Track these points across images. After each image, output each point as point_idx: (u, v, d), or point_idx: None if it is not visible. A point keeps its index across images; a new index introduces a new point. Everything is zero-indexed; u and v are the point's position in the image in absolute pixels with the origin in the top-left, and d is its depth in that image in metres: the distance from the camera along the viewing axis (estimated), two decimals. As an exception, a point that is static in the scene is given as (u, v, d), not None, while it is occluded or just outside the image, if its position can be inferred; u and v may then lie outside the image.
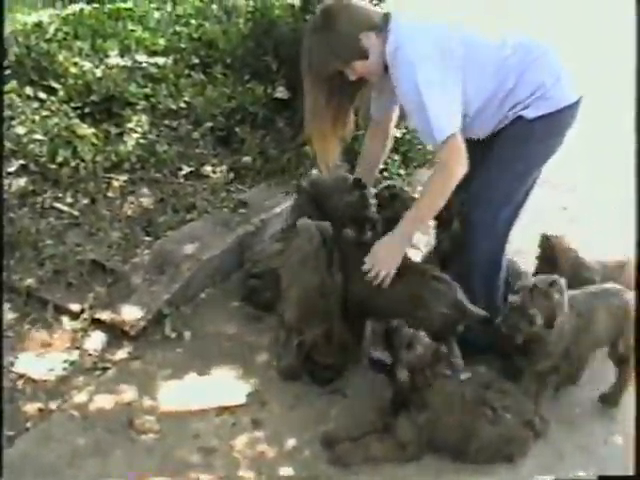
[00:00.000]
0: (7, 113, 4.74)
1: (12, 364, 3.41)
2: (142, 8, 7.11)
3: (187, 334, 3.81)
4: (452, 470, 3.16)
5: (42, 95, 5.25)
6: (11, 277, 3.79)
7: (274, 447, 3.20)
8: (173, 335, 3.79)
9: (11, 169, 4.47)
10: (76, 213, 4.41)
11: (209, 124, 5.45)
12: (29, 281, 3.80)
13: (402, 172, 5.58)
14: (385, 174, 5.26)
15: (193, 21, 6.78)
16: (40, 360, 3.48)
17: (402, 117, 3.96)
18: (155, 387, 3.45)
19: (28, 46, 5.56)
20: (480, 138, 3.55)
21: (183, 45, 6.42)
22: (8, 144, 4.51)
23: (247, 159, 5.19)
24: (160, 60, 6.10)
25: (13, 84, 5.14)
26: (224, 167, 5.10)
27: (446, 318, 3.46)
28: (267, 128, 5.38)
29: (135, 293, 3.87)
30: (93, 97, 5.37)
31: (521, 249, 4.14)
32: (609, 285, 3.65)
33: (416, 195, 3.97)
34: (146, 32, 6.61)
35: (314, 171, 4.59)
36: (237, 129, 5.37)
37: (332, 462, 3.12)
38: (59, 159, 4.65)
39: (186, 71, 6.06)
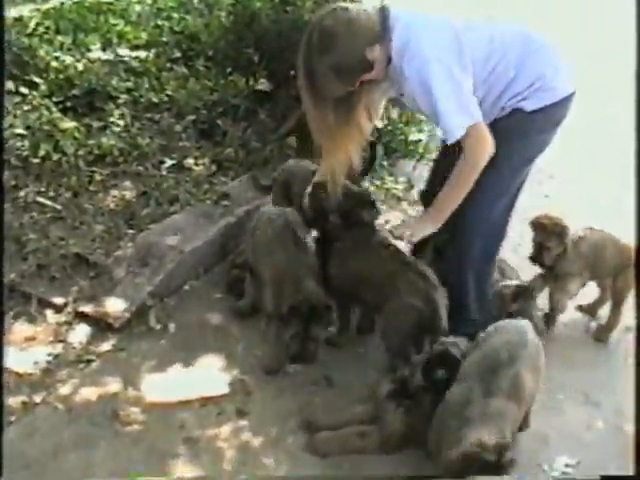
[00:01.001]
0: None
1: (-4, 358, 3.41)
2: (123, 2, 7.08)
3: (171, 326, 3.82)
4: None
5: (24, 90, 5.24)
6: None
7: (259, 436, 3.21)
8: (157, 327, 3.79)
9: (-7, 163, 4.46)
10: (59, 207, 4.41)
11: (191, 117, 5.46)
12: (12, 275, 3.80)
13: (385, 163, 5.59)
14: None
15: (175, 14, 6.76)
16: (24, 354, 3.47)
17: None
18: (140, 379, 3.46)
19: (9, 41, 5.53)
20: None
21: (165, 38, 6.42)
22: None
23: (229, 151, 5.20)
24: (142, 54, 6.09)
25: (-6, 79, 5.13)
26: (206, 159, 5.11)
27: (419, 313, 3.42)
28: (249, 120, 5.39)
29: (119, 286, 3.87)
30: (75, 91, 5.39)
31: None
32: None
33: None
34: (128, 26, 6.59)
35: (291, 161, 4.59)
36: (219, 121, 5.39)
37: (310, 451, 3.14)
38: (41, 153, 4.65)
39: (168, 64, 6.07)
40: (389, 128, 5.70)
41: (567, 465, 3.20)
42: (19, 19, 6.13)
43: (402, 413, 3.12)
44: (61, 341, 3.58)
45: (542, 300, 4.13)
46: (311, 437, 3.18)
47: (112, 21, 6.63)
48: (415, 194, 5.25)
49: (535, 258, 4.03)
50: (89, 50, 6.00)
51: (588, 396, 3.66)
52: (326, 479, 3.06)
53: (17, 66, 5.43)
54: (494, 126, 3.38)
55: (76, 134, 4.87)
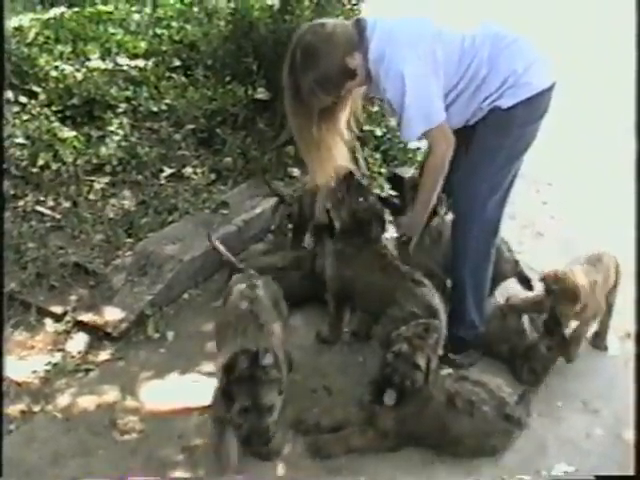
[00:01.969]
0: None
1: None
2: (123, 11, 7.11)
3: (170, 334, 3.83)
4: (435, 465, 3.20)
5: (23, 99, 5.25)
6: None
7: (258, 445, 3.21)
8: (156, 336, 3.80)
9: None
10: (58, 216, 4.43)
11: (190, 126, 5.47)
12: (12, 284, 3.81)
13: (383, 171, 5.60)
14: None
15: (174, 24, 6.78)
16: (23, 362, 3.49)
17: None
18: (138, 387, 3.47)
19: (8, 50, 5.55)
20: (455, 127, 3.57)
21: (164, 48, 6.43)
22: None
23: (228, 160, 5.21)
24: (141, 63, 6.10)
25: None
26: (205, 168, 5.12)
27: (417, 319, 3.45)
28: (248, 129, 5.40)
29: (117, 295, 3.89)
30: (74, 100, 5.39)
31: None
32: None
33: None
34: (127, 35, 6.61)
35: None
36: (218, 130, 5.40)
37: (312, 453, 3.16)
38: (40, 162, 4.67)
39: (167, 73, 6.07)
40: (388, 136, 5.72)
41: (565, 472, 3.21)
42: (19, 28, 6.16)
43: (389, 411, 3.14)
44: (60, 350, 3.60)
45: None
46: (312, 439, 3.20)
47: (111, 30, 6.65)
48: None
49: (551, 330, 3.80)
50: (88, 59, 6.01)
51: (587, 404, 3.66)
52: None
53: (17, 75, 5.44)
54: (479, 126, 3.54)
55: (75, 143, 4.89)
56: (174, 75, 6.06)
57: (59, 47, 6.10)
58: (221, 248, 4.04)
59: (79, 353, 3.60)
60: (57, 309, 3.78)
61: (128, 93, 5.66)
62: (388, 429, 3.16)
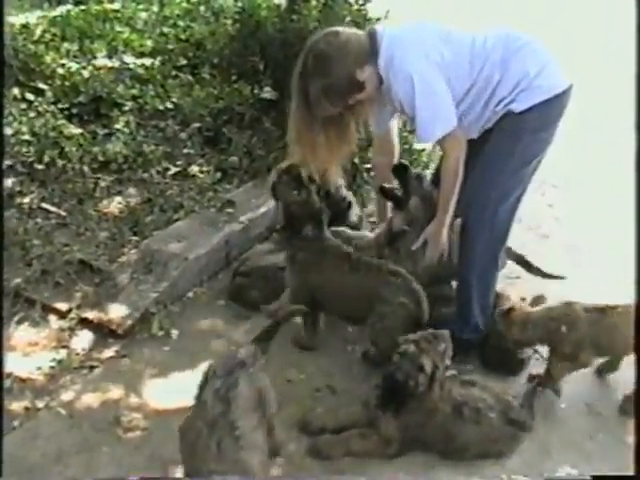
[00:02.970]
0: (-6, 114, 4.76)
1: (-1, 363, 3.42)
2: (129, 9, 7.12)
3: (174, 332, 3.83)
4: (437, 466, 3.18)
5: (30, 96, 5.28)
6: (-1, 277, 3.80)
7: (261, 444, 3.20)
8: (160, 333, 3.79)
9: (-2, 170, 4.48)
10: (63, 213, 4.44)
11: (196, 124, 5.48)
12: (17, 281, 3.81)
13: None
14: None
15: (181, 22, 6.80)
16: (27, 359, 3.49)
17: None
18: (142, 385, 3.47)
19: (15, 48, 5.57)
20: (473, 137, 3.58)
21: (170, 46, 6.45)
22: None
23: (234, 159, 5.21)
24: (147, 61, 6.12)
25: (-1, 85, 5.16)
26: (211, 167, 5.12)
27: (407, 308, 3.56)
28: (254, 128, 5.40)
29: (122, 292, 3.89)
30: (80, 98, 5.42)
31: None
32: None
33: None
34: (133, 33, 6.63)
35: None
36: (224, 129, 5.40)
37: (312, 454, 3.14)
38: (46, 159, 4.69)
39: (173, 72, 6.09)
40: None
41: (568, 475, 3.19)
42: (26, 26, 6.18)
43: (392, 418, 3.12)
44: (64, 347, 3.60)
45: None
46: (313, 440, 3.18)
47: (118, 28, 6.68)
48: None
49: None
50: (95, 57, 6.04)
51: (591, 406, 3.65)
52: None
53: (23, 73, 5.46)
54: (491, 131, 3.52)
55: (81, 141, 4.90)
56: (180, 74, 6.07)
57: (66, 45, 6.13)
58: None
59: (83, 350, 3.60)
60: (62, 306, 3.77)
61: (134, 91, 5.68)
62: (391, 436, 3.14)
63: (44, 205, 4.47)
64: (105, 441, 3.12)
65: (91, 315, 3.74)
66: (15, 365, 3.41)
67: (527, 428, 3.27)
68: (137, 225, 4.47)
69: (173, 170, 5.04)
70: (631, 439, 3.34)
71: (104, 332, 3.70)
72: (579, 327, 3.49)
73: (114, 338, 3.70)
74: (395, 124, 3.97)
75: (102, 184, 4.75)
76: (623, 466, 3.18)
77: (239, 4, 5.89)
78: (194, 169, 5.07)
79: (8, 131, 4.72)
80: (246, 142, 5.28)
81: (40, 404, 3.26)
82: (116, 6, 7.17)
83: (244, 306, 4.07)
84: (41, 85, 5.44)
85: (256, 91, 5.49)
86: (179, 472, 2.98)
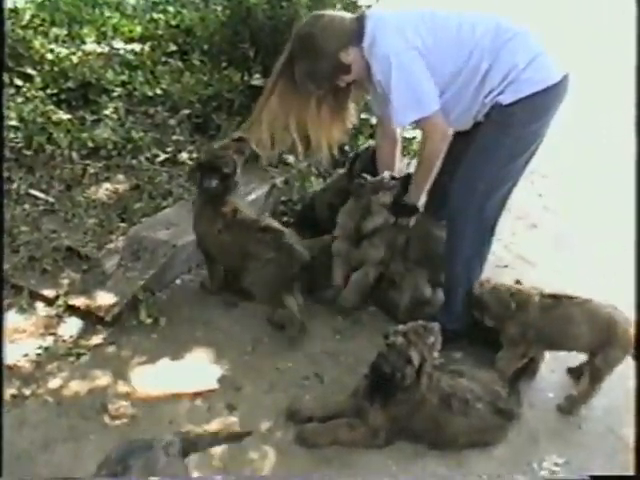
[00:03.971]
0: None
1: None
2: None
3: (162, 320, 3.80)
4: (423, 455, 3.19)
5: (18, 82, 5.24)
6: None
7: (248, 431, 3.21)
8: (148, 321, 3.77)
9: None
10: (51, 200, 4.42)
11: (186, 111, 5.46)
12: (4, 267, 3.79)
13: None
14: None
15: (170, 8, 6.77)
16: (14, 346, 3.47)
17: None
18: (130, 372, 3.45)
19: (3, 32, 5.52)
20: (466, 128, 3.57)
21: (160, 32, 6.43)
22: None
23: (223, 146, 5.18)
24: (137, 47, 6.11)
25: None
26: (200, 154, 5.08)
27: (277, 263, 3.70)
28: (243, 115, 5.36)
29: (110, 279, 3.87)
30: (69, 84, 5.40)
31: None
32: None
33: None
34: (123, 19, 6.60)
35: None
36: (214, 116, 5.39)
37: (299, 442, 3.14)
38: (34, 145, 4.65)
39: (163, 58, 6.08)
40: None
41: (556, 464, 3.21)
42: (14, 10, 6.13)
43: (380, 409, 3.12)
44: (52, 334, 3.58)
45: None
46: (300, 428, 3.18)
47: (107, 14, 6.65)
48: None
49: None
50: (84, 43, 6.02)
51: (578, 395, 3.66)
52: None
53: (12, 58, 5.42)
54: (480, 123, 3.53)
55: (70, 127, 4.88)
56: (170, 60, 6.06)
57: (54, 30, 6.10)
58: None
59: (71, 337, 3.59)
60: (49, 293, 3.76)
61: (123, 77, 5.66)
62: (379, 427, 3.14)
63: (32, 191, 4.44)
64: (92, 429, 3.11)
65: (78, 302, 3.72)
66: (2, 352, 3.39)
67: (514, 417, 3.29)
68: (125, 212, 4.45)
69: (162, 157, 5.02)
70: (619, 428, 3.38)
71: (92, 319, 3.69)
72: (529, 309, 3.47)
73: (102, 325, 3.68)
74: None
75: (90, 170, 4.72)
76: (609, 456, 3.21)
77: (229, -10, 5.87)
78: (183, 156, 5.06)
79: (-5, 117, 4.71)
80: (235, 129, 5.25)
81: (27, 392, 3.25)
82: (105, -9, 7.13)
83: (232, 293, 4.06)
84: (29, 70, 5.40)
85: (246, 78, 5.48)
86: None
